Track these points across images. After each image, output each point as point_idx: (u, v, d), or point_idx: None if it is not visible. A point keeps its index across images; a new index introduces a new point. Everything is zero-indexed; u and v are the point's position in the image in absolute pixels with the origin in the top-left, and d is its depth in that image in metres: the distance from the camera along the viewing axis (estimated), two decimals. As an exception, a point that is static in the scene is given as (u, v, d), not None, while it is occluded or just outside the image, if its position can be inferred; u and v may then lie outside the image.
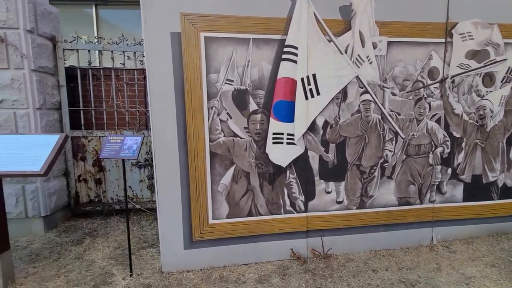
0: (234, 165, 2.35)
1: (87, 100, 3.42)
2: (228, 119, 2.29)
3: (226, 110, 2.27)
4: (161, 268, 2.35)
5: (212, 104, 2.24)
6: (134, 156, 2.09)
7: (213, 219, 2.37)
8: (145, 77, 3.47)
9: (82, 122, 3.38)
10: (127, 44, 3.28)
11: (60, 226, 3.28)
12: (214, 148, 2.30)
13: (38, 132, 2.84)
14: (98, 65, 3.37)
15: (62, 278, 2.28)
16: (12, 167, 1.89)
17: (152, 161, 3.49)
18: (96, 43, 3.24)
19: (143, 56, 3.39)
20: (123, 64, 3.33)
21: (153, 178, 3.55)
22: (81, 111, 3.36)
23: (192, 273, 2.32)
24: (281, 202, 2.46)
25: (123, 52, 3.31)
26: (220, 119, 2.27)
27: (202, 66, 2.18)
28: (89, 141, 3.38)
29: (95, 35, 5.33)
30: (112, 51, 3.28)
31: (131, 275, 2.29)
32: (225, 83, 2.24)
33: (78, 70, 3.30)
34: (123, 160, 2.18)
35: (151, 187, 3.57)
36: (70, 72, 3.34)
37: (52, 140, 2.07)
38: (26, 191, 2.96)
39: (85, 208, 3.50)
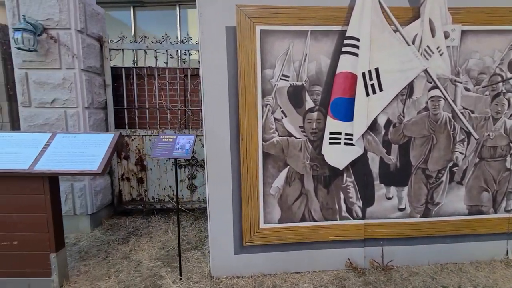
0: (288, 167, 2.20)
1: (130, 100, 3.44)
2: (282, 118, 2.14)
3: (280, 108, 2.13)
4: (211, 273, 2.26)
5: (267, 102, 2.11)
6: (187, 155, 2.01)
7: (264, 223, 2.24)
8: (185, 76, 3.44)
9: (126, 121, 3.40)
10: (170, 43, 3.25)
11: (104, 224, 3.32)
12: (267, 148, 2.16)
13: (88, 131, 2.88)
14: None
15: (113, 278, 2.26)
16: (71, 165, 1.88)
17: (192, 160, 3.45)
18: (141, 42, 3.23)
19: (185, 55, 3.35)
20: (166, 63, 3.31)
21: (193, 178, 3.51)
22: (125, 110, 3.38)
23: (243, 280, 2.20)
24: (337, 207, 2.28)
25: (166, 50, 3.28)
26: (274, 117, 2.14)
27: (257, 61, 2.06)
28: (132, 140, 3.40)
29: (132, 36, 5.44)
30: (155, 50, 3.27)
31: (180, 279, 2.21)
32: (281, 79, 2.10)
33: (123, 70, 3.33)
34: (175, 159, 2.11)
35: (191, 187, 3.53)
36: (113, 72, 3.38)
37: (107, 139, 2.04)
38: (75, 189, 3.01)
39: (128, 206, 3.53)
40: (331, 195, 2.26)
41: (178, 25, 5.18)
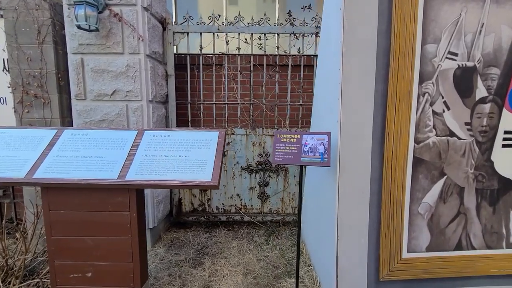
0: (445, 177, 1.64)
1: (192, 93, 2.93)
2: (444, 111, 1.59)
3: (443, 97, 1.57)
4: (336, 316, 1.71)
5: (425, 89, 1.56)
6: (324, 161, 1.47)
7: (408, 252, 1.68)
8: (257, 65, 2.91)
9: (189, 119, 2.89)
10: (247, 24, 2.72)
11: (164, 239, 2.82)
12: (420, 152, 1.61)
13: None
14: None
15: (207, 320, 1.74)
16: (173, 174, 1.36)
17: (266, 165, 2.92)
18: (210, 24, 2.72)
19: (260, 39, 2.83)
20: (239, 48, 2.79)
21: (265, 185, 2.97)
22: (189, 105, 2.88)
23: (383, 328, 1.65)
24: (504, 231, 1.71)
25: (239, 34, 2.76)
26: (433, 110, 1.58)
27: (417, 33, 1.51)
28: (195, 140, 2.89)
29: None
30: (226, 33, 2.76)
31: (296, 324, 1.68)
32: (446, 57, 1.54)
33: (188, 57, 2.83)
34: (301, 166, 1.57)
35: (262, 196, 2.99)
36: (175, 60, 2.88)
37: (211, 138, 1.52)
38: (135, 198, 2.51)
39: (188, 218, 3.02)
40: (498, 215, 1.69)
41: (225, 6, 4.67)
